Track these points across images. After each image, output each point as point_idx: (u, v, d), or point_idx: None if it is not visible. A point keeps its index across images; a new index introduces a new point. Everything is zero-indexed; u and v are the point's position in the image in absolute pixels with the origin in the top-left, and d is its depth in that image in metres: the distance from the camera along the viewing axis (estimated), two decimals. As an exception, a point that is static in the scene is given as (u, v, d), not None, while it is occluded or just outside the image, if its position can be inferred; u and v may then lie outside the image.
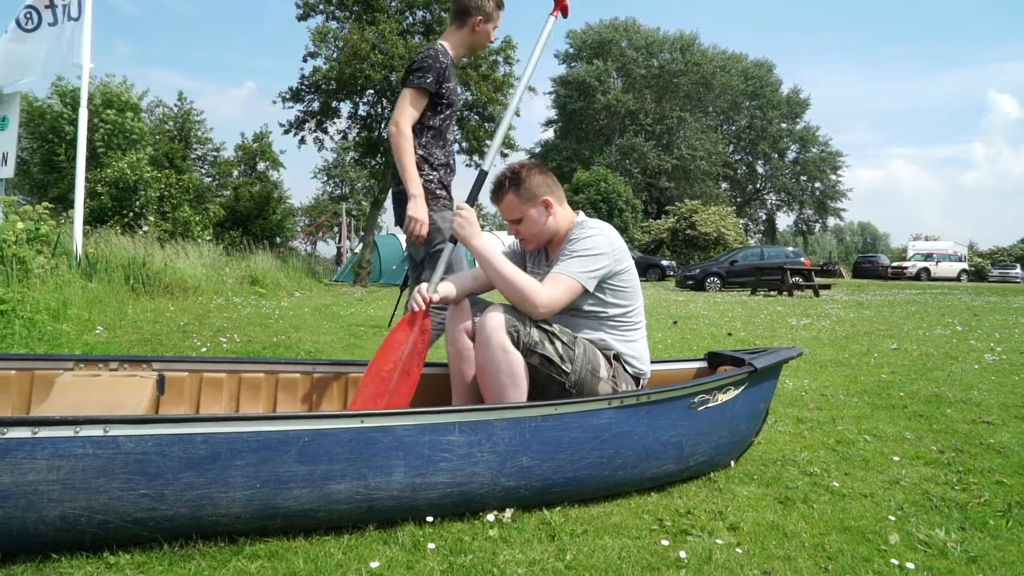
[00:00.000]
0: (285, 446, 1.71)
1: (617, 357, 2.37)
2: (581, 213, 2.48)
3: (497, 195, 2.43)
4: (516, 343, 2.15)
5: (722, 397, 2.36)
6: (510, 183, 2.39)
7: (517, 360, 2.15)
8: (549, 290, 2.22)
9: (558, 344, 2.22)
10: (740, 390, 2.42)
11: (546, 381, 2.22)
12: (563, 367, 2.21)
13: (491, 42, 2.91)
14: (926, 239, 45.04)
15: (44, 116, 19.18)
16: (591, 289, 2.27)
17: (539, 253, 2.55)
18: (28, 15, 7.83)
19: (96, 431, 1.57)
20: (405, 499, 1.86)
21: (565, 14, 2.80)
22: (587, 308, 2.34)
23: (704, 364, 2.85)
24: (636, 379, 2.41)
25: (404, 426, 1.83)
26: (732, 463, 2.58)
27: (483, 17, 2.98)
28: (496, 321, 2.15)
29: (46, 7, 7.82)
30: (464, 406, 1.97)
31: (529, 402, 2.08)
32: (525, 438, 1.97)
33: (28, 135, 19.13)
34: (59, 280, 6.46)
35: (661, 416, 2.21)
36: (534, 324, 2.20)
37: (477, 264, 2.40)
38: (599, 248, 2.29)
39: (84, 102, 8.12)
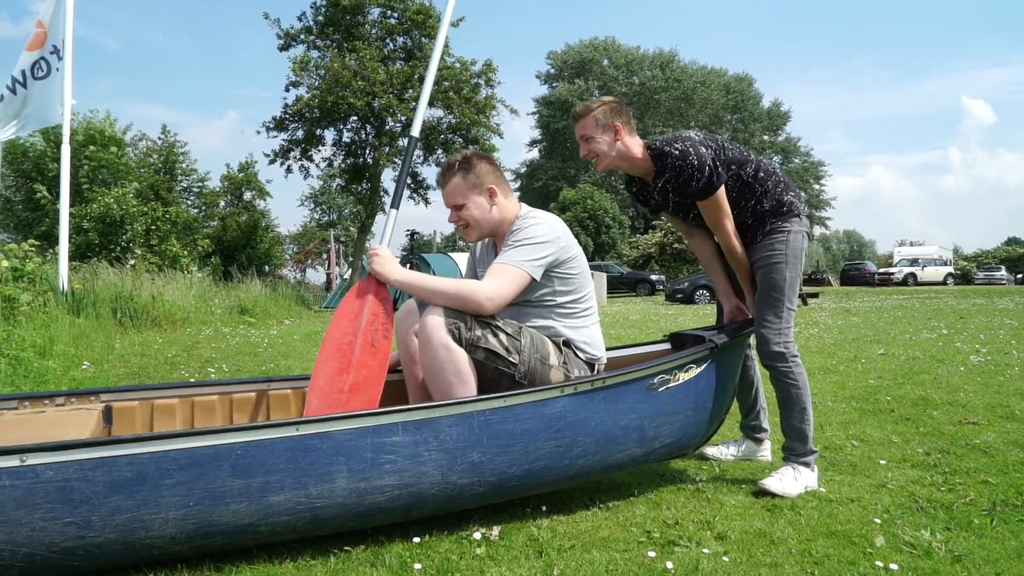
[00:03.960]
0: (217, 461, 1.67)
1: (567, 344, 2.33)
2: (525, 206, 2.45)
3: (444, 177, 2.41)
4: (458, 340, 2.11)
5: (683, 376, 2.33)
6: (459, 166, 2.37)
7: (461, 357, 2.11)
8: (492, 283, 2.18)
9: (502, 336, 2.18)
10: (703, 368, 2.39)
11: (495, 375, 2.18)
12: (510, 359, 2.17)
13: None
14: (911, 244, 45.50)
15: (27, 154, 19.16)
16: (538, 278, 2.24)
17: (490, 252, 2.52)
18: (38, 64, 7.88)
19: (12, 462, 1.53)
20: (351, 505, 1.81)
21: None
22: (535, 298, 2.32)
23: (668, 346, 2.81)
24: (591, 365, 2.38)
25: (343, 430, 1.79)
26: (727, 459, 2.59)
27: None
28: (435, 320, 2.11)
29: (51, 53, 7.88)
30: (407, 405, 1.92)
31: (478, 396, 2.02)
32: (474, 433, 1.94)
33: (11, 173, 19.08)
34: (46, 317, 6.42)
35: (619, 400, 2.18)
36: (475, 319, 2.15)
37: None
38: (543, 236, 2.26)
39: (66, 138, 8.14)
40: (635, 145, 2.52)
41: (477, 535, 1.96)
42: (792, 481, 2.39)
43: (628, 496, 2.37)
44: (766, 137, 49.17)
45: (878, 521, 2.10)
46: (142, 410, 2.41)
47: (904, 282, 34.12)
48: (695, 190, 2.44)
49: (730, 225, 2.53)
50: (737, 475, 2.60)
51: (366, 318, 2.24)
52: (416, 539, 1.94)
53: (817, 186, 49.21)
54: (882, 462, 2.74)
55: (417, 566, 1.77)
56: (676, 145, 2.44)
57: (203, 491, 1.66)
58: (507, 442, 1.99)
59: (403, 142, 23.09)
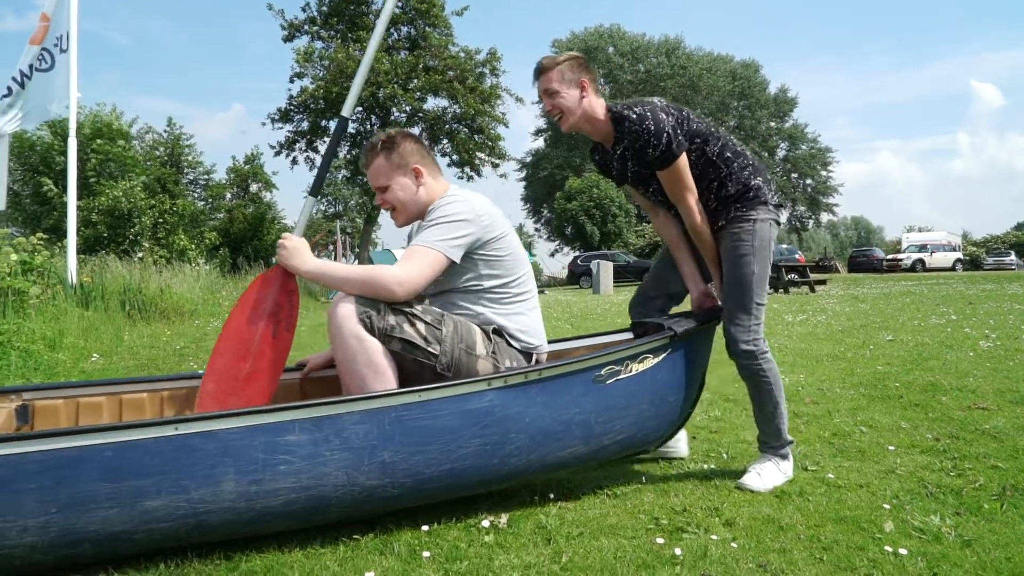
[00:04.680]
0: (83, 463, 1.56)
1: (498, 332, 2.19)
2: (454, 186, 2.33)
3: (367, 157, 2.29)
4: (371, 330, 1.98)
5: (638, 367, 2.18)
6: (383, 146, 2.25)
7: (374, 348, 1.98)
8: (403, 267, 2.04)
9: (420, 325, 2.04)
10: (661, 358, 2.24)
11: (415, 367, 2.05)
12: (429, 349, 2.03)
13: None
14: (919, 230, 45.20)
15: (34, 148, 19.22)
16: (456, 259, 2.10)
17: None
18: (42, 57, 7.89)
19: None
20: (241, 510, 1.71)
21: None
22: (462, 283, 2.19)
23: (631, 335, 2.61)
24: (527, 355, 2.24)
25: (230, 429, 1.67)
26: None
27: None
28: (346, 309, 1.98)
29: (54, 46, 7.89)
30: (305, 401, 1.79)
31: (387, 390, 1.89)
32: (385, 431, 1.81)
33: (19, 167, 19.15)
34: (55, 310, 6.47)
35: (559, 393, 2.04)
36: (390, 307, 2.02)
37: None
38: (461, 214, 2.11)
39: (73, 131, 8.16)
40: (599, 106, 2.36)
41: (485, 523, 1.97)
42: (772, 473, 2.34)
43: (636, 483, 2.37)
44: (773, 124, 48.82)
45: (887, 507, 2.10)
46: (67, 409, 2.27)
47: (912, 268, 33.91)
48: (652, 158, 2.28)
49: (693, 200, 2.36)
50: (746, 462, 2.60)
51: (269, 308, 2.13)
52: (424, 527, 1.95)
53: (825, 172, 48.90)
54: (891, 448, 2.73)
55: (426, 554, 1.78)
56: (635, 109, 2.29)
57: (68, 497, 1.55)
58: (424, 440, 1.85)
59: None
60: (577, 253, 31.68)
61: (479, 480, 1.99)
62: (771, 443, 2.42)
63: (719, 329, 2.45)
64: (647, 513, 2.09)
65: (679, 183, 2.33)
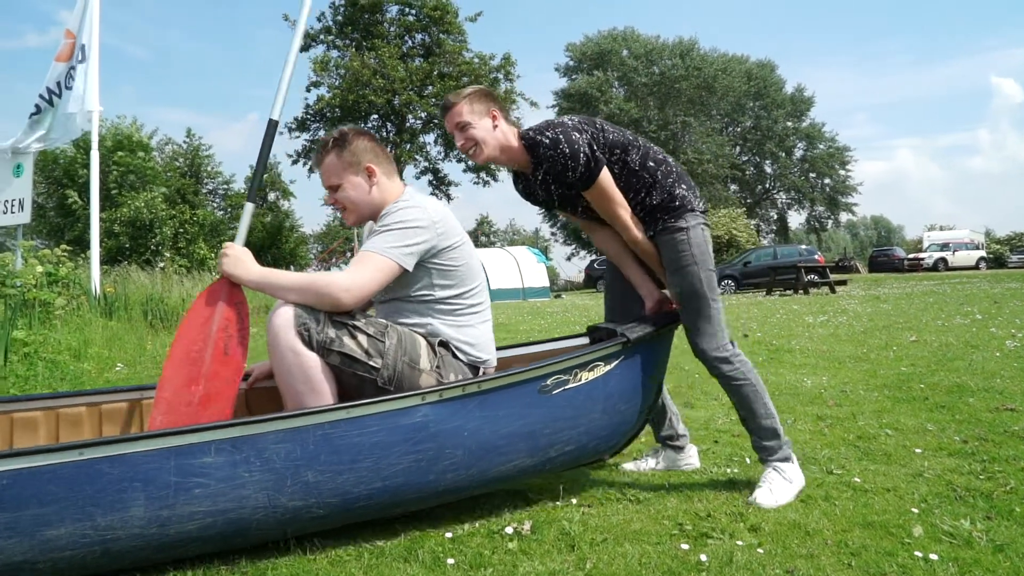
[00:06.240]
0: None
1: (445, 344, 2.12)
2: (410, 188, 2.23)
3: (319, 156, 2.21)
4: (308, 342, 1.91)
5: (587, 376, 2.12)
6: (334, 143, 2.17)
7: (311, 362, 1.91)
8: (351, 273, 1.96)
9: (361, 338, 1.96)
10: (613, 365, 2.18)
11: (355, 381, 1.97)
12: (370, 363, 1.96)
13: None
14: (941, 229, 44.57)
15: (58, 161, 19.58)
16: (409, 267, 2.02)
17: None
18: (69, 74, 8.03)
19: None
20: (151, 536, 1.64)
21: None
22: (413, 292, 2.11)
23: (587, 341, 2.52)
24: (474, 368, 2.17)
25: (140, 452, 1.60)
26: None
27: None
28: (283, 319, 1.90)
29: (79, 62, 8.02)
30: (223, 421, 1.73)
31: (311, 408, 1.81)
32: (309, 449, 1.74)
33: (43, 180, 19.50)
34: (79, 320, 6.57)
35: (501, 406, 1.98)
36: (330, 318, 1.94)
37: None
38: (416, 221, 2.03)
39: (95, 144, 8.29)
40: (511, 134, 2.30)
41: (509, 529, 1.97)
42: (782, 485, 2.23)
43: (659, 489, 2.35)
44: (790, 123, 48.39)
45: (915, 511, 2.07)
46: (1, 424, 2.17)
47: (935, 267, 33.44)
48: (573, 180, 2.23)
49: (627, 214, 2.32)
50: (769, 466, 2.57)
51: (217, 324, 2.01)
52: (448, 534, 1.95)
53: (843, 172, 48.35)
54: (917, 451, 2.69)
55: (450, 561, 1.78)
56: (547, 133, 2.22)
57: None
58: (353, 458, 1.79)
59: (425, 138, 23.17)
60: (594, 257, 31.60)
61: (415, 497, 1.93)
62: (772, 447, 2.31)
63: (681, 333, 2.39)
64: (671, 519, 2.07)
65: (607, 200, 2.29)
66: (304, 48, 20.68)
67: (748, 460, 2.66)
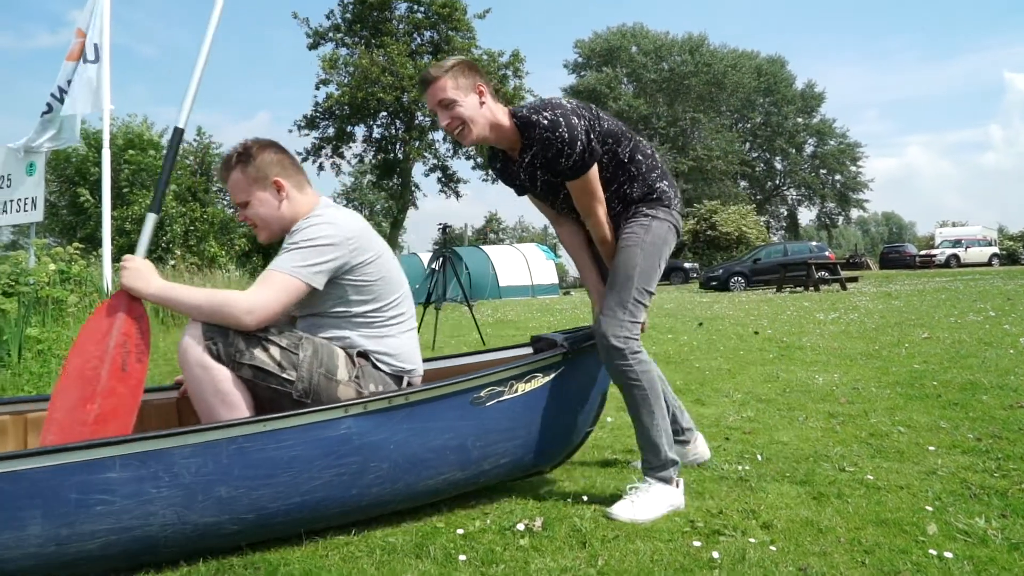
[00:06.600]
0: None
1: (364, 355, 2.07)
2: (325, 199, 2.17)
3: (224, 172, 2.14)
4: (218, 357, 1.87)
5: (525, 387, 2.07)
6: (238, 159, 2.09)
7: (221, 376, 1.87)
8: (254, 293, 1.91)
9: (274, 350, 1.92)
10: (552, 376, 2.13)
11: (271, 395, 1.93)
12: (283, 375, 1.91)
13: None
14: (953, 225, 44.21)
15: (70, 160, 19.71)
16: (318, 286, 1.96)
17: None
18: (79, 71, 8.05)
19: None
20: (49, 555, 1.58)
21: None
22: (329, 308, 2.05)
23: (531, 350, 2.46)
24: (398, 378, 2.12)
25: (38, 469, 1.54)
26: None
27: None
28: (191, 335, 1.88)
29: (90, 61, 8.04)
30: (127, 436, 1.67)
31: (223, 421, 1.77)
32: (222, 464, 1.69)
33: (55, 179, 19.63)
34: (91, 317, 6.62)
35: (430, 418, 1.95)
36: (239, 332, 1.90)
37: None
38: (325, 238, 1.96)
39: (106, 143, 8.33)
40: (501, 111, 2.16)
41: (520, 526, 1.96)
42: (647, 501, 2.06)
43: (670, 486, 2.34)
44: (800, 119, 48.14)
45: (930, 509, 2.05)
46: None
47: (947, 264, 33.18)
48: (564, 168, 2.11)
49: (602, 212, 2.24)
50: (780, 464, 2.56)
51: (115, 339, 1.92)
52: (459, 531, 1.96)
53: (854, 168, 48.08)
54: (931, 448, 2.67)
55: (462, 557, 1.78)
56: (545, 114, 2.07)
57: None
58: (269, 473, 1.74)
59: (434, 136, 23.14)
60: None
61: (337, 511, 1.89)
62: (651, 463, 2.16)
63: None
64: (683, 516, 2.07)
65: (588, 194, 2.20)
66: (313, 46, 20.73)
67: (760, 457, 2.65)
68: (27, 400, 2.23)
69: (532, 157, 2.19)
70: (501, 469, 2.13)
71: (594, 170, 2.16)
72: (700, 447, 2.57)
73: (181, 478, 1.67)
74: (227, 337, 1.88)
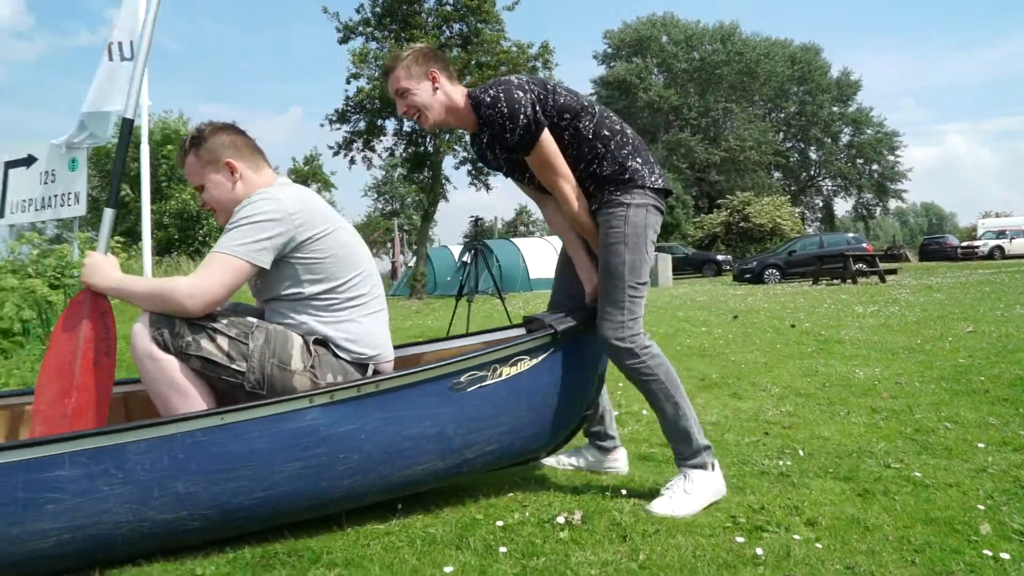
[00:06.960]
0: None
1: (322, 343, 1.99)
2: (281, 179, 2.12)
3: (180, 157, 2.12)
4: (165, 347, 1.83)
5: (509, 371, 2.00)
6: (191, 143, 2.07)
7: (171, 366, 1.83)
8: (195, 277, 1.86)
9: (221, 340, 1.86)
10: (540, 359, 2.05)
11: (224, 386, 1.89)
12: (232, 367, 1.86)
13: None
14: (996, 215, 42.92)
15: (110, 155, 20.18)
16: (264, 264, 1.89)
17: None
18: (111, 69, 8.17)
19: None
20: (1, 554, 1.56)
21: None
22: (283, 292, 1.98)
23: (523, 332, 2.32)
24: (361, 366, 2.03)
25: None
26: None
27: None
28: (138, 327, 1.84)
29: (127, 59, 8.17)
30: (75, 432, 1.64)
31: (180, 415, 1.73)
32: (179, 459, 1.65)
33: (97, 174, 20.13)
34: (133, 310, 6.76)
35: (405, 406, 1.88)
36: (187, 322, 1.85)
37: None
38: (267, 213, 1.88)
39: (145, 138, 8.49)
40: (458, 94, 2.16)
41: (560, 519, 1.96)
42: (683, 497, 2.03)
43: (710, 480, 2.31)
44: (836, 108, 47.05)
45: (981, 507, 1.99)
46: None
47: (990, 255, 32.19)
48: (512, 143, 2.08)
49: (568, 187, 2.15)
50: (822, 460, 2.51)
51: (84, 335, 1.94)
52: (499, 523, 1.95)
53: (892, 157, 46.85)
54: (980, 445, 2.60)
55: (502, 549, 1.78)
56: (490, 91, 2.07)
57: None
58: (229, 467, 1.69)
59: (462, 132, 23.19)
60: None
61: (306, 505, 1.84)
62: (683, 453, 2.13)
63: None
64: (723, 511, 2.04)
65: (547, 168, 2.13)
66: (343, 40, 20.82)
67: (801, 452, 2.61)
68: (18, 393, 2.21)
69: (489, 136, 2.20)
70: (488, 457, 2.06)
71: (548, 143, 2.10)
72: (620, 461, 2.47)
73: (135, 474, 1.63)
74: (173, 327, 1.84)
